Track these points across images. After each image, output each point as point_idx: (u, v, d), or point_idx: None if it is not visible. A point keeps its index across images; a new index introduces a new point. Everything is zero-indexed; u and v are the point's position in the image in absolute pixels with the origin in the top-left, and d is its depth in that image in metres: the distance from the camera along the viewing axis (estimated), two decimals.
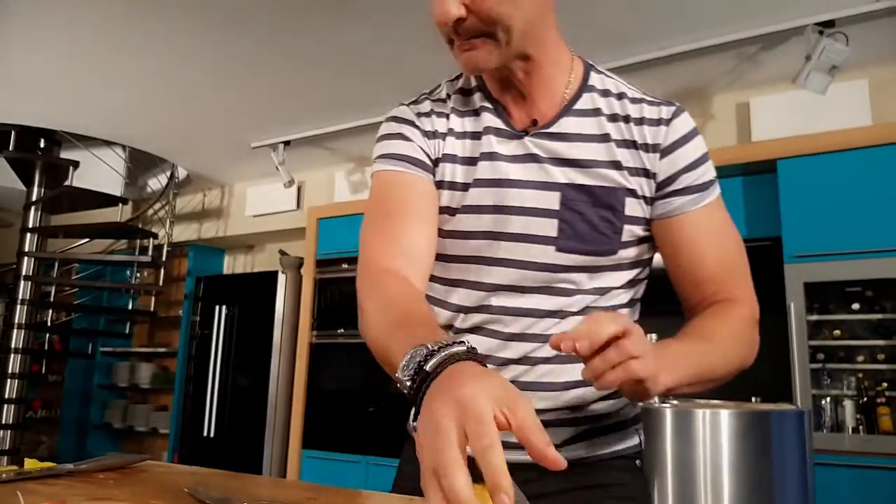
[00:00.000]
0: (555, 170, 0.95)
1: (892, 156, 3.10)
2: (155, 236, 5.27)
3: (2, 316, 5.36)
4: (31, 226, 5.00)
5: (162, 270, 5.42)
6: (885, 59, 3.30)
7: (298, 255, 4.99)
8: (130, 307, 5.67)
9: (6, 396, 4.79)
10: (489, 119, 0.99)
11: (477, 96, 1.02)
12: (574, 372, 0.89)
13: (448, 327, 1.02)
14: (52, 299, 5.27)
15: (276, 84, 3.83)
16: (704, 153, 0.99)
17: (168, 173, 5.31)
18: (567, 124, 0.97)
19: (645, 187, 0.96)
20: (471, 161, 0.98)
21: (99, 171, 4.88)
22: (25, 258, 4.96)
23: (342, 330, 4.53)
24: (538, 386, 0.96)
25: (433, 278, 1.02)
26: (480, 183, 0.97)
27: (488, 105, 1.00)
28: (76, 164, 4.68)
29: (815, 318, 3.24)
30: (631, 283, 1.02)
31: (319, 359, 4.63)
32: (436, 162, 0.99)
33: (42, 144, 4.83)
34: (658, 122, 0.96)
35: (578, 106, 0.98)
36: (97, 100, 4.14)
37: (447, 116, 1.01)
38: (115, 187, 5.03)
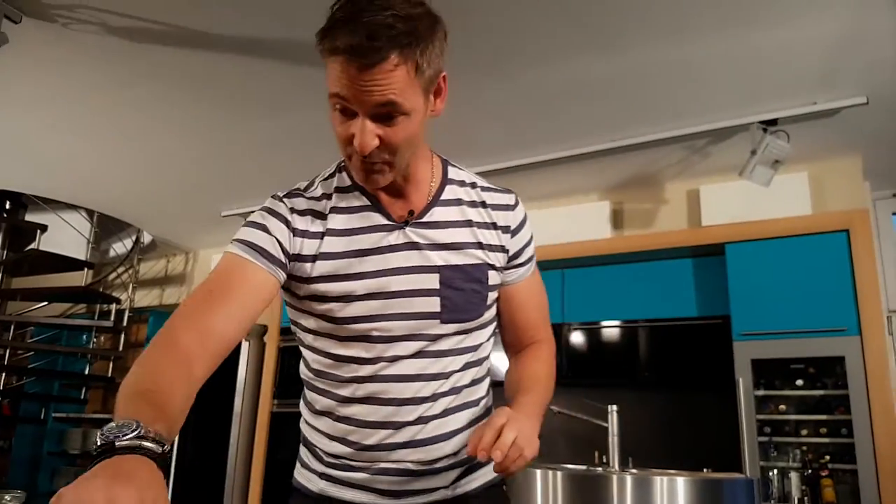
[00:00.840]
0: (432, 254, 1.11)
1: (831, 243, 3.36)
2: (118, 301, 5.24)
3: None
4: None
5: (122, 336, 5.36)
6: (823, 154, 3.59)
7: (262, 323, 5.01)
8: (87, 372, 5.56)
9: None
10: (371, 216, 1.11)
11: (355, 195, 1.13)
12: (454, 421, 1.13)
13: (343, 399, 1.13)
14: (5, 362, 5.15)
15: (249, 154, 3.92)
16: (532, 233, 1.25)
17: (133, 238, 5.31)
18: (438, 213, 1.13)
19: (501, 260, 1.18)
20: (356, 254, 1.09)
21: (63, 235, 4.87)
22: None
23: None
24: (433, 440, 1.12)
25: (328, 355, 1.13)
26: (368, 275, 1.09)
27: (367, 202, 1.12)
28: (44, 228, 4.67)
29: (762, 393, 3.41)
30: (488, 339, 1.23)
31: (280, 428, 4.62)
32: (298, 258, 1.08)
33: (7, 206, 4.82)
34: (506, 207, 1.20)
35: (444, 196, 1.15)
36: (65, 164, 4.16)
37: (324, 216, 1.11)
38: (79, 250, 5.01)
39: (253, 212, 1.14)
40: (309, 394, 1.21)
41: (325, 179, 1.17)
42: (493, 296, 1.17)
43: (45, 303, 5.38)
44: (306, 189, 1.15)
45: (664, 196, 4.00)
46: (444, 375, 1.12)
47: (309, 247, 1.09)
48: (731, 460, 3.43)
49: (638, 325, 3.89)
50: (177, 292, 5.70)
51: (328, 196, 1.13)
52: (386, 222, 1.11)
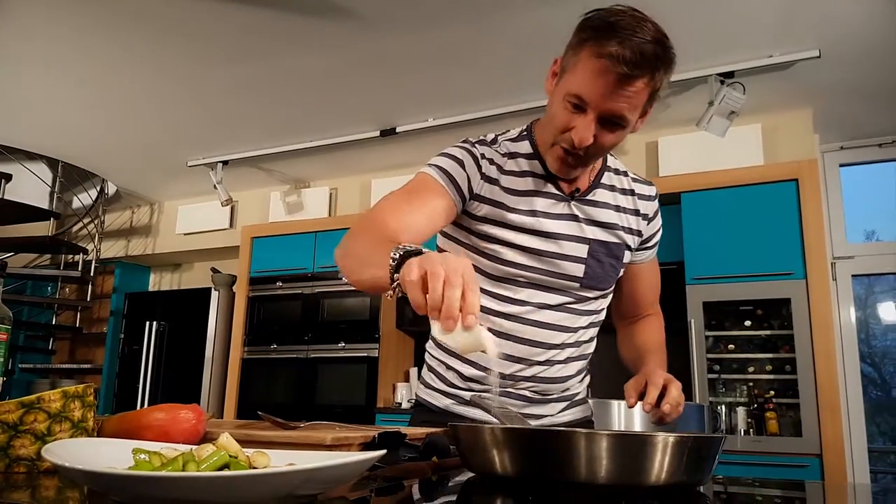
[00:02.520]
0: (587, 227, 1.28)
1: (780, 192, 3.54)
2: (85, 251, 5.22)
3: None
4: None
5: (89, 286, 5.35)
6: (776, 107, 3.74)
7: (231, 273, 5.06)
8: (53, 322, 5.56)
9: None
10: (546, 185, 1.26)
11: (535, 163, 1.27)
12: (571, 368, 1.32)
13: (495, 315, 1.28)
14: None
15: (217, 105, 3.93)
16: (661, 222, 1.40)
17: (98, 188, 5.27)
18: (598, 194, 1.29)
19: (635, 242, 1.34)
20: (528, 213, 1.24)
21: (27, 185, 4.82)
22: None
23: (274, 346, 4.64)
24: (553, 380, 1.30)
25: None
26: (534, 232, 1.24)
27: (544, 172, 1.26)
28: (8, 177, 4.61)
29: (712, 334, 3.62)
30: (606, 307, 1.40)
31: (251, 374, 4.72)
32: (479, 198, 1.24)
33: None
34: (649, 197, 1.36)
35: (604, 181, 1.31)
36: (29, 113, 4.12)
37: (508, 173, 1.26)
38: (42, 200, 4.96)
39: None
40: None
41: (512, 140, 1.30)
42: (622, 271, 1.35)
43: (11, 253, 5.32)
44: (492, 143, 1.28)
45: (625, 147, 4.13)
46: (573, 330, 1.30)
47: (490, 192, 1.24)
48: (685, 394, 3.64)
49: None
50: (142, 243, 5.69)
51: (513, 156, 1.27)
52: (556, 192, 1.26)
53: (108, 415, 0.94)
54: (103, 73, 3.61)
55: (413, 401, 1.45)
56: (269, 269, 4.80)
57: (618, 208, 1.31)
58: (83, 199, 5.37)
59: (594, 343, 1.40)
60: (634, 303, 1.45)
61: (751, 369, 3.58)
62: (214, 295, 4.96)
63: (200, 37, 3.21)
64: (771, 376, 3.53)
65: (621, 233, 1.30)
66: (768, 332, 3.57)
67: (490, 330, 1.18)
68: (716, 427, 3.53)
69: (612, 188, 1.31)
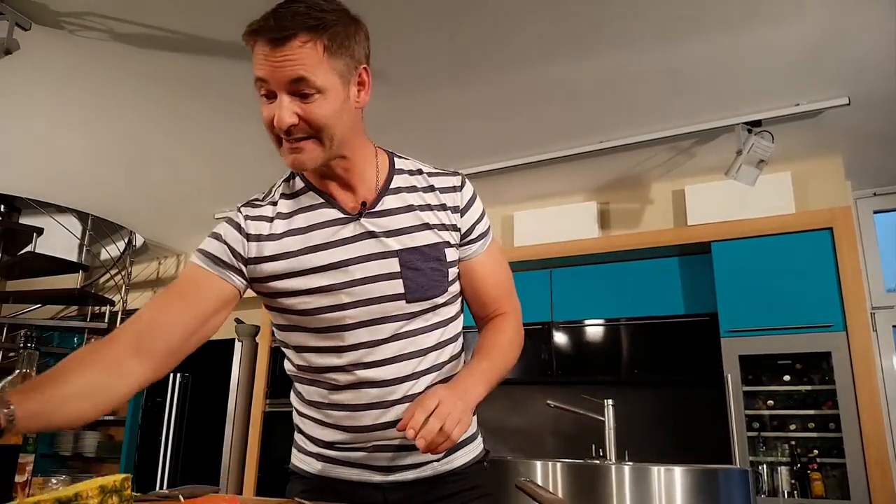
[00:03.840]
0: (389, 240, 1.18)
1: (814, 240, 3.42)
2: (111, 303, 5.25)
3: None
4: None
5: None
6: (806, 154, 3.65)
7: (254, 324, 5.04)
8: None
9: None
10: (325, 212, 1.19)
11: (308, 195, 1.21)
12: None
13: (331, 387, 1.20)
14: None
15: (241, 158, 3.95)
16: (483, 209, 1.31)
17: (125, 240, 5.33)
18: (389, 202, 1.21)
19: (455, 238, 1.24)
20: (314, 249, 1.16)
21: (57, 237, 4.89)
22: None
23: None
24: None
25: (308, 348, 1.21)
26: (329, 266, 1.15)
27: (320, 200, 1.20)
28: (40, 231, 4.68)
29: (750, 388, 3.46)
30: (457, 315, 1.29)
31: (273, 427, 4.65)
32: (257, 260, 1.17)
33: (1, 209, 4.82)
34: (453, 188, 1.26)
35: (393, 185, 1.22)
36: (60, 167, 4.18)
37: (279, 218, 1.20)
38: (71, 253, 5.02)
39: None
40: (298, 386, 1.28)
41: (279, 185, 1.26)
42: (454, 271, 1.25)
43: (38, 305, 5.37)
44: (264, 197, 1.24)
45: (650, 196, 4.06)
46: (422, 353, 1.19)
47: (267, 248, 1.17)
48: (722, 454, 3.49)
49: (626, 323, 3.94)
50: None
51: (285, 197, 1.22)
52: (340, 215, 1.19)
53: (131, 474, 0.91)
54: (132, 131, 3.66)
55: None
56: None
57: (418, 208, 1.22)
58: (111, 250, 5.43)
59: (461, 361, 1.30)
60: (480, 303, 1.32)
61: (792, 427, 3.41)
62: (237, 346, 4.93)
63: (227, 97, 3.25)
64: (814, 434, 3.35)
65: (432, 233, 1.21)
66: (809, 388, 3.40)
67: (330, 385, 1.19)
68: (758, 489, 3.36)
69: (407, 189, 1.23)
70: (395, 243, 1.18)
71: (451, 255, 1.23)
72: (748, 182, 3.29)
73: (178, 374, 5.11)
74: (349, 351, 1.17)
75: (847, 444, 3.15)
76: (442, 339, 1.23)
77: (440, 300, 1.21)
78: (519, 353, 1.29)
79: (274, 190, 1.25)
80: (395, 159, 1.27)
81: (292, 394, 1.31)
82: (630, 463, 2.63)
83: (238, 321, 5.11)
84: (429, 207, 1.23)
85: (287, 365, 1.29)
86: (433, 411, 1.00)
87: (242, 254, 1.17)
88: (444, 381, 1.21)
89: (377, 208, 1.20)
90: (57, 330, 5.52)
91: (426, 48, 2.77)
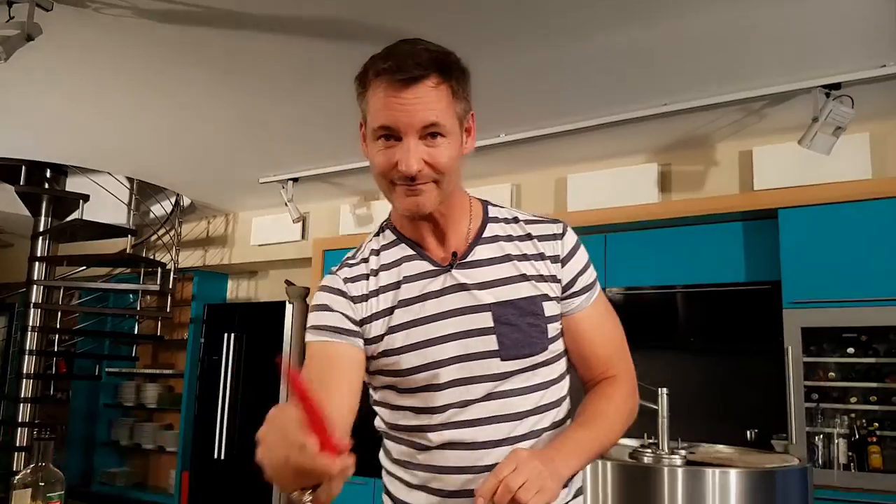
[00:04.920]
0: (481, 293, 1.11)
1: (891, 209, 3.23)
2: (162, 265, 5.32)
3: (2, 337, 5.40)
4: (39, 255, 5.03)
5: (169, 297, 5.47)
6: (887, 115, 3.41)
7: (304, 285, 5.06)
8: (136, 330, 5.72)
9: (19, 420, 4.86)
10: (416, 265, 1.14)
11: (399, 247, 1.16)
12: None
13: (420, 447, 1.13)
14: (59, 325, 5.31)
15: (281, 125, 3.87)
16: (588, 259, 1.20)
17: (172, 200, 5.34)
18: (480, 252, 1.14)
19: (556, 290, 1.15)
20: (405, 303, 1.11)
21: (103, 200, 4.91)
22: (35, 286, 5.00)
23: None
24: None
25: (399, 408, 1.15)
26: (419, 321, 1.10)
27: (411, 252, 1.15)
28: (86, 198, 4.71)
29: (811, 360, 3.38)
30: (562, 377, 1.19)
31: None
32: (364, 321, 1.13)
33: (48, 175, 4.85)
34: (553, 237, 1.17)
35: (486, 235, 1.16)
36: (106, 137, 4.16)
37: (374, 275, 1.15)
38: (119, 217, 5.06)
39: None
40: (387, 443, 1.23)
41: (370, 241, 1.21)
42: (554, 327, 1.15)
43: (83, 267, 5.49)
44: (354, 255, 1.20)
45: (715, 158, 3.87)
46: (518, 416, 1.11)
47: (368, 307, 1.14)
48: (778, 424, 3.46)
49: (683, 290, 3.85)
50: (219, 254, 5.76)
51: (375, 253, 1.18)
52: (431, 268, 1.13)
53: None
54: (175, 103, 3.61)
55: None
56: None
57: (514, 258, 1.14)
58: (158, 210, 5.45)
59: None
60: (585, 364, 1.20)
61: (853, 399, 3.34)
62: (289, 308, 4.98)
63: (270, 65, 3.16)
64: (875, 407, 3.28)
65: (529, 285, 1.13)
66: (873, 360, 3.31)
67: (420, 446, 1.12)
68: (812, 460, 3.33)
69: (496, 239, 1.16)
70: (487, 296, 1.11)
71: (550, 308, 1.14)
72: (823, 151, 3.10)
73: (232, 334, 5.21)
74: (440, 412, 1.10)
75: None
76: (542, 402, 1.13)
77: (539, 358, 1.12)
78: (628, 425, 1.16)
79: (364, 246, 1.21)
80: (489, 208, 1.21)
81: (381, 452, 1.25)
82: (682, 453, 2.59)
83: (288, 283, 5.14)
84: (525, 257, 1.15)
85: (377, 421, 1.24)
86: (506, 477, 0.91)
87: (354, 317, 1.13)
88: None
89: (468, 259, 1.14)
90: (112, 292, 5.64)
91: (491, 11, 2.62)
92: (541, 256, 1.15)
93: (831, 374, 3.38)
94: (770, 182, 3.59)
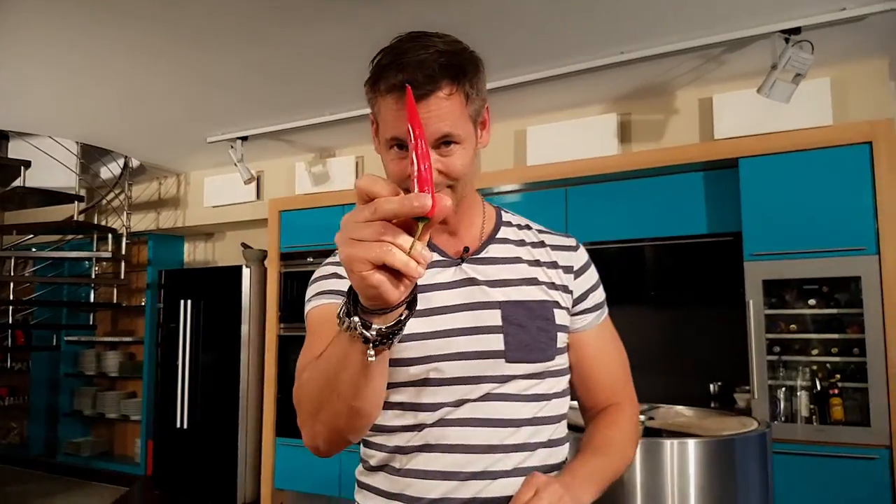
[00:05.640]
0: (492, 290, 1.06)
1: (852, 156, 3.14)
2: (113, 231, 5.15)
3: None
4: None
5: (123, 263, 5.31)
6: (847, 60, 3.30)
7: (261, 248, 4.92)
8: (92, 298, 5.57)
9: None
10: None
11: None
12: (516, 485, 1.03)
13: (401, 449, 1.06)
14: (11, 296, 5.14)
15: (232, 84, 3.70)
16: (598, 279, 1.18)
17: (121, 162, 5.13)
18: (494, 250, 1.10)
19: (567, 301, 1.11)
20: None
21: (49, 166, 4.71)
22: None
23: None
24: (500, 500, 1.02)
25: (386, 404, 1.06)
26: (426, 312, 1.03)
27: None
28: (27, 164, 4.50)
29: (772, 312, 3.33)
30: (564, 392, 1.13)
31: (288, 350, 4.65)
32: None
33: None
34: (568, 248, 1.15)
35: (499, 235, 1.12)
36: (47, 102, 3.97)
37: None
38: (66, 180, 4.86)
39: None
40: (363, 450, 1.14)
41: None
42: (563, 338, 1.10)
43: (31, 236, 5.30)
44: None
45: (675, 106, 3.75)
46: (514, 423, 1.04)
47: None
48: (741, 377, 3.43)
49: (645, 244, 3.77)
50: (173, 216, 5.58)
51: None
52: (441, 258, 1.08)
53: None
54: (117, 61, 3.41)
55: None
56: (300, 244, 4.63)
57: (526, 262, 1.11)
58: (105, 172, 5.25)
59: (563, 450, 1.11)
60: (591, 387, 1.16)
61: (814, 351, 3.30)
62: (246, 272, 4.84)
63: (209, 25, 2.99)
64: (837, 359, 3.25)
65: (539, 289, 1.08)
66: (835, 311, 3.26)
67: (402, 450, 1.05)
68: (774, 414, 3.32)
69: (509, 241, 1.13)
70: (498, 294, 1.06)
71: (560, 317, 1.09)
72: (782, 99, 2.99)
73: (189, 300, 5.08)
74: (433, 410, 1.03)
75: (871, 369, 3.06)
76: (540, 413, 1.06)
77: (544, 367, 1.07)
78: (633, 454, 1.14)
79: None
80: (503, 213, 1.18)
81: (359, 466, 1.17)
82: (640, 427, 2.53)
83: (244, 245, 5.00)
84: (538, 263, 1.11)
85: None
86: (527, 503, 0.91)
87: None
88: (538, 469, 1.05)
89: (481, 255, 1.10)
90: (69, 259, 5.48)
91: None
92: (554, 265, 1.12)
93: (792, 326, 3.34)
94: (731, 131, 3.49)
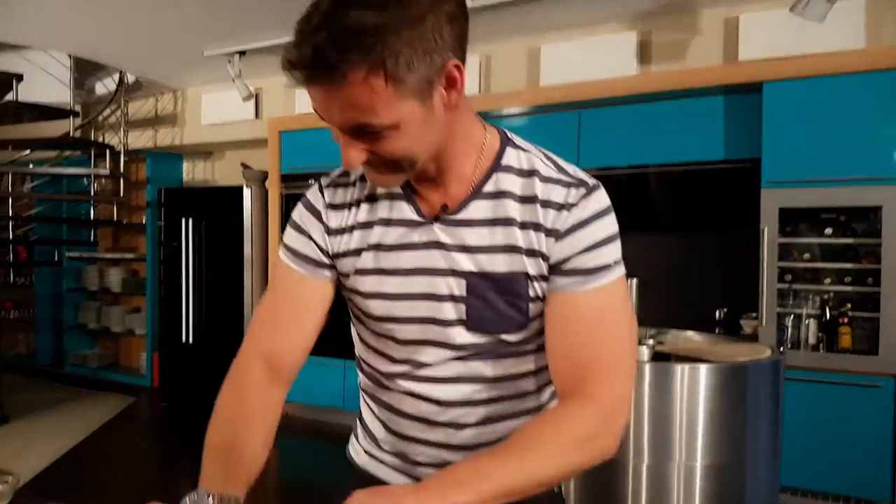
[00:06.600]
0: (461, 257, 0.95)
1: (885, 82, 3.01)
2: (110, 148, 5.02)
3: None
4: None
5: (122, 180, 5.21)
6: None
7: (261, 169, 4.81)
8: (92, 215, 5.50)
9: None
10: (402, 208, 0.99)
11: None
12: (500, 430, 1.01)
13: (381, 385, 1.06)
14: (10, 212, 5.07)
15: None
16: (605, 238, 0.94)
17: (116, 77, 4.95)
18: (475, 209, 0.96)
19: (542, 269, 0.94)
20: (380, 248, 0.99)
21: (43, 80, 4.54)
22: None
23: None
24: (471, 447, 1.02)
25: (364, 342, 1.08)
26: (390, 272, 0.98)
27: (399, 192, 1.00)
28: (20, 77, 4.33)
29: (786, 240, 3.29)
30: (542, 348, 0.98)
31: None
32: (336, 256, 1.02)
33: None
34: (561, 206, 0.93)
35: (487, 189, 0.96)
36: (38, 9, 3.75)
37: (356, 206, 1.02)
38: (60, 95, 4.69)
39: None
40: (358, 370, 1.15)
41: None
42: (538, 307, 0.95)
43: (28, 151, 5.17)
44: (347, 173, 1.04)
45: (699, 25, 3.56)
46: (480, 380, 0.99)
47: (345, 243, 1.02)
48: (748, 305, 3.42)
49: (660, 170, 3.69)
50: (170, 133, 5.42)
51: (363, 181, 1.02)
52: (414, 217, 0.98)
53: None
54: None
55: None
56: (301, 165, 4.52)
57: (508, 222, 0.94)
58: (101, 88, 5.07)
59: (542, 395, 1.04)
60: (554, 364, 0.95)
61: (826, 280, 3.28)
62: (247, 192, 4.75)
63: None
64: (849, 288, 3.23)
65: (518, 258, 0.93)
66: (851, 241, 3.21)
67: (382, 385, 1.06)
68: (781, 341, 3.32)
69: (503, 195, 0.95)
70: (467, 262, 0.95)
71: (535, 289, 0.94)
72: (816, 18, 2.84)
73: (190, 219, 5.01)
74: (399, 364, 1.02)
75: (884, 299, 3.04)
76: (512, 371, 1.00)
77: (510, 338, 0.97)
78: (578, 462, 0.86)
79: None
80: (508, 151, 0.98)
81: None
82: (650, 351, 2.52)
83: (244, 166, 4.88)
84: (524, 226, 0.94)
85: (356, 345, 1.15)
86: None
87: (327, 248, 1.02)
88: (511, 415, 1.01)
89: (459, 216, 0.96)
90: (66, 176, 5.37)
91: None
92: (537, 227, 0.94)
93: (806, 254, 3.30)
94: (756, 53, 3.34)
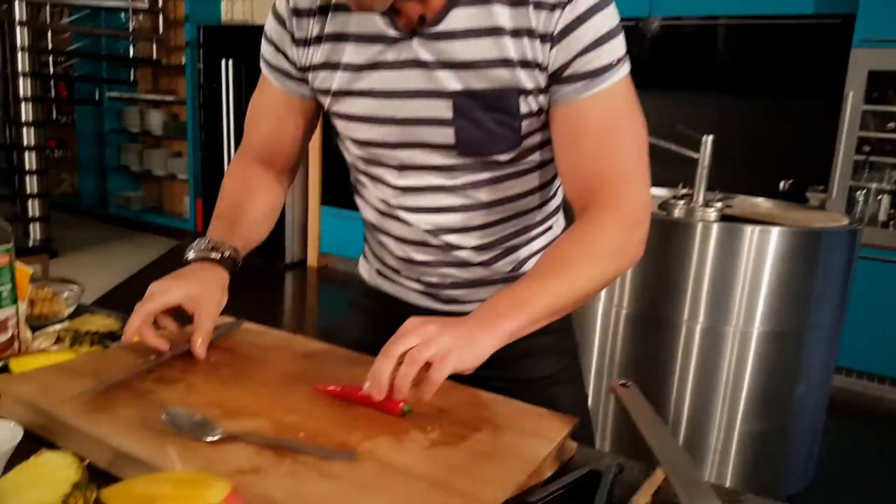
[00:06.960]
0: (444, 74, 0.85)
1: None
2: None
3: None
4: None
5: (160, 16, 4.99)
6: None
7: None
8: (131, 53, 5.34)
9: (25, 144, 4.72)
10: (375, 21, 0.86)
11: None
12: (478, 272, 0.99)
13: (377, 210, 1.01)
14: (50, 46, 4.93)
15: None
16: (605, 33, 0.82)
17: None
18: (456, 19, 0.83)
19: (539, 80, 0.84)
20: (353, 68, 0.89)
21: None
22: (17, 3, 4.53)
23: None
24: (473, 264, 0.98)
25: (356, 168, 1.02)
26: (368, 94, 0.89)
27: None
28: None
29: (870, 108, 3.03)
30: (541, 165, 0.94)
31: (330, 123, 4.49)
32: (305, 69, 0.94)
33: None
34: (554, 6, 0.81)
35: None
36: None
37: (324, 13, 0.91)
38: None
39: None
40: (356, 190, 1.08)
41: None
42: (531, 122, 0.87)
43: None
44: None
45: None
46: (476, 207, 0.94)
47: (313, 55, 0.92)
48: (816, 176, 3.23)
49: (739, 22, 3.37)
50: None
51: None
52: (389, 32, 0.86)
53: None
54: None
55: None
56: None
57: (496, 31, 0.82)
58: None
59: (545, 212, 0.99)
60: (567, 175, 0.89)
61: None
62: None
63: None
64: None
65: (508, 72, 0.83)
66: None
67: (379, 211, 1.01)
68: (851, 215, 3.14)
69: (483, 2, 0.82)
70: (452, 81, 0.84)
71: (529, 104, 0.85)
72: None
73: (231, 61, 4.83)
74: (387, 187, 0.96)
75: None
76: (511, 193, 0.94)
77: (503, 157, 0.90)
78: (609, 274, 0.85)
79: None
80: None
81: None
82: (717, 213, 2.36)
83: None
84: (516, 33, 0.82)
85: (350, 172, 1.08)
86: (404, 357, 0.70)
87: (296, 61, 0.94)
88: (514, 234, 0.97)
89: (439, 28, 0.83)
90: (103, 8, 5.16)
91: None
92: (530, 33, 0.82)
93: (891, 124, 3.05)
94: None
